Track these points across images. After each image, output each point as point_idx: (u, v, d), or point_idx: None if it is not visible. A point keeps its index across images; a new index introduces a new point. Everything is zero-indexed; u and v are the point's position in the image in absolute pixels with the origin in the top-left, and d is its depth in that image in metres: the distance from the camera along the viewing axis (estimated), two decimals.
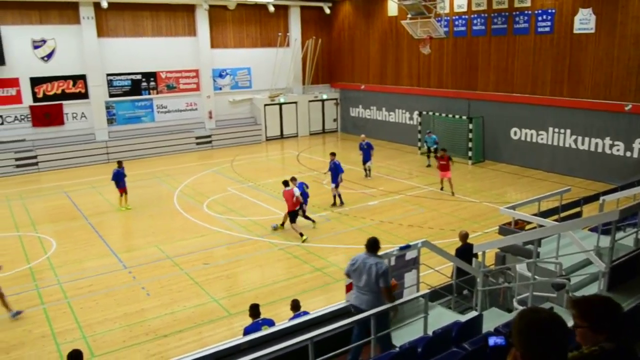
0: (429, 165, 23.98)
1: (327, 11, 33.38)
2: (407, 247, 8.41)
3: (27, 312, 11.62)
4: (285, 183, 15.95)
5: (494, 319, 7.45)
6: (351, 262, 7.44)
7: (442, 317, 8.12)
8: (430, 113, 27.13)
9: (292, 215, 15.73)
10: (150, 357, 9.83)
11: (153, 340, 10.41)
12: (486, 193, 19.85)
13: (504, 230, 11.08)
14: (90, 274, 13.74)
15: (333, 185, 18.42)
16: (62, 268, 14.06)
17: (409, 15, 24.45)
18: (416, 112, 28.43)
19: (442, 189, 19.80)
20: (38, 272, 13.90)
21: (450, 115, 25.87)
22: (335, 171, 18.23)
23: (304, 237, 15.33)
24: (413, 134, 28.11)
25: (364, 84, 32.27)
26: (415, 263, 8.68)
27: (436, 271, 9.94)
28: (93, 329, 10.86)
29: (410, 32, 24.93)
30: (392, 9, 28.93)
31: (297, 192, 15.57)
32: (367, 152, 22.09)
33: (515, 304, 7.97)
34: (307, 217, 16.41)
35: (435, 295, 9.12)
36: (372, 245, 7.39)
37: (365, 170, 22.48)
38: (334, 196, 18.56)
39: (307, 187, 16.56)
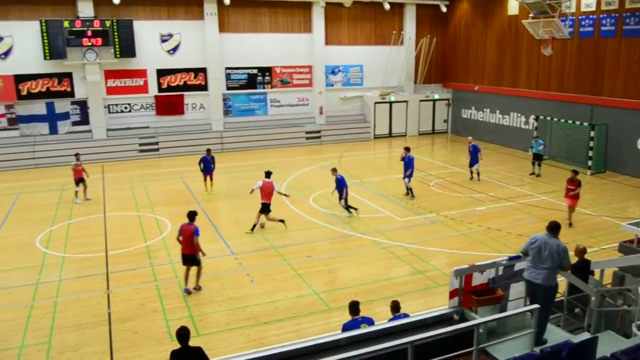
0: (532, 173, 22.80)
1: (444, 9, 32.66)
2: (517, 258, 8.04)
3: (142, 287, 12.47)
4: (267, 174, 16.48)
5: (609, 343, 6.92)
6: (531, 241, 7.93)
7: (550, 334, 7.68)
8: (548, 118, 25.76)
9: (266, 207, 16.01)
10: (251, 341, 10.15)
11: (254, 326, 10.76)
12: (605, 206, 18.53)
13: (625, 248, 10.28)
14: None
15: (406, 179, 19.34)
16: (174, 249, 14.80)
17: (531, 15, 23.35)
18: (532, 116, 27.14)
19: (571, 225, 16.31)
20: (153, 250, 14.86)
21: (570, 121, 24.41)
22: (408, 164, 19.21)
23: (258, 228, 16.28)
24: (527, 139, 26.81)
25: (478, 85, 31.26)
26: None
27: None
28: (200, 309, 11.42)
29: (531, 32, 23.81)
30: (513, 7, 27.77)
31: (277, 187, 16.20)
32: (474, 155, 21.50)
33: (634, 329, 7.37)
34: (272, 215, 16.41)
35: None
36: (555, 227, 7.95)
37: (471, 173, 21.85)
38: (407, 188, 19.48)
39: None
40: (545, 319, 7.71)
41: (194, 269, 12.20)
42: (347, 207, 17.42)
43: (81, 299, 11.96)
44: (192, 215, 12.19)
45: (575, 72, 24.84)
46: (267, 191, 15.98)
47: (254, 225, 16.15)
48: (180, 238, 12.04)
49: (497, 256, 8.31)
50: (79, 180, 19.34)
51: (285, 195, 16.92)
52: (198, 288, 12.20)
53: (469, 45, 31.92)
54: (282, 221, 16.32)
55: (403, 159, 19.47)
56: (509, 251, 13.82)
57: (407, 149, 19.66)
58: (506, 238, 15.43)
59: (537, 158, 22.75)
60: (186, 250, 12.06)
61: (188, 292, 12.07)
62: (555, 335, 7.61)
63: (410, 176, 19.39)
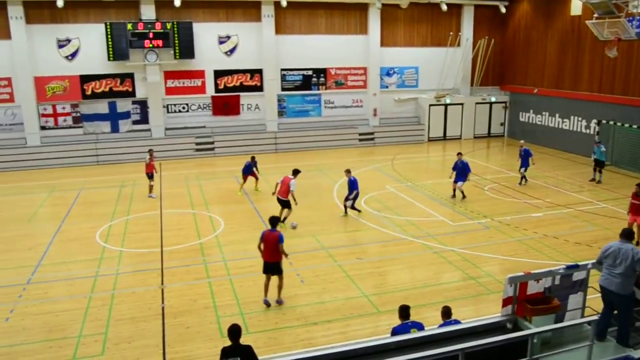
0: (592, 180, 21.94)
1: (503, 10, 31.90)
2: (576, 267, 7.76)
3: (195, 284, 12.74)
4: (294, 172, 16.87)
5: None
6: (604, 249, 8.05)
7: (607, 348, 7.39)
8: (611, 122, 24.78)
9: (284, 203, 16.59)
10: (299, 341, 10.20)
11: (303, 326, 10.80)
12: None
13: None
14: (251, 255, 14.55)
15: (460, 183, 19.28)
16: (227, 247, 15.18)
17: (595, 15, 22.50)
18: (594, 121, 26.18)
19: (638, 243, 14.38)
20: (207, 248, 15.16)
21: (635, 126, 23.39)
22: (463, 170, 19.17)
23: (284, 224, 16.36)
24: (588, 144, 25.87)
25: (537, 88, 30.39)
26: (582, 285, 7.98)
27: None
28: (250, 307, 11.56)
29: (595, 33, 22.93)
30: (576, 7, 26.85)
31: (293, 185, 16.27)
32: (524, 159, 21.15)
33: None
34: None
35: None
36: (628, 234, 8.15)
37: (521, 177, 21.39)
38: (460, 190, 19.39)
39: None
40: (627, 325, 7.69)
41: (274, 279, 11.71)
42: (353, 207, 17.57)
43: (137, 293, 12.32)
44: (274, 221, 11.72)
45: None
46: (284, 187, 16.40)
47: (284, 218, 16.55)
48: (262, 246, 11.55)
49: (553, 265, 8.07)
50: (151, 175, 20.30)
51: (294, 200, 16.52)
52: (280, 301, 11.65)
53: (528, 46, 31.08)
54: (283, 220, 16.58)
55: (456, 165, 19.36)
56: (566, 260, 13.39)
57: (460, 154, 19.50)
58: (563, 246, 14.93)
59: (599, 164, 21.91)
60: (269, 258, 11.49)
61: (268, 304, 11.57)
62: (613, 349, 7.32)
63: (466, 180, 19.35)
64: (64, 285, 12.86)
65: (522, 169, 21.23)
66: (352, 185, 17.38)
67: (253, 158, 21.08)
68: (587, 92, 26.83)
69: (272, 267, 11.57)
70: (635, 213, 14.91)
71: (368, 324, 10.91)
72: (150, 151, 20.83)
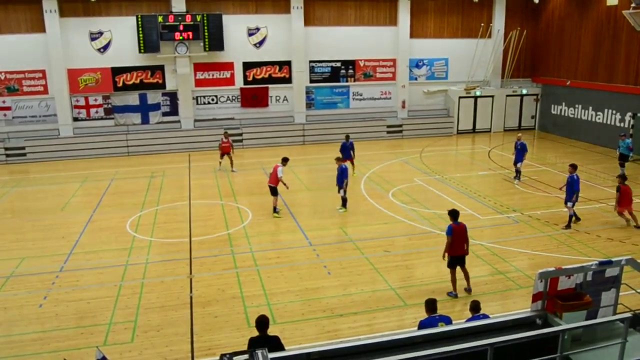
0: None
1: (536, 0, 31.24)
2: (609, 263, 7.57)
3: (222, 274, 12.86)
4: (283, 160, 17.40)
5: None
6: None
7: None
8: None
9: (272, 190, 17.04)
10: (325, 333, 10.23)
11: (329, 317, 10.82)
12: None
13: None
14: (279, 246, 14.75)
15: (570, 204, 15.71)
16: (254, 238, 15.28)
17: (633, 5, 21.95)
18: (629, 114, 25.51)
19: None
20: (235, 238, 15.28)
21: None
22: (571, 187, 15.62)
23: (277, 214, 17.00)
24: None
25: (570, 80, 29.74)
26: (615, 282, 7.79)
27: (639, 294, 8.84)
28: (277, 298, 11.62)
29: (632, 23, 22.44)
30: None
31: (280, 172, 16.76)
32: (519, 153, 20.44)
33: None
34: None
35: (635, 320, 8.10)
36: None
37: (516, 171, 20.79)
38: (571, 216, 15.89)
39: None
40: None
41: (459, 273, 11.68)
42: (345, 200, 17.61)
43: (165, 282, 12.50)
44: (456, 214, 11.75)
45: None
46: (273, 174, 17.00)
47: (274, 208, 17.08)
48: (450, 240, 11.46)
49: (585, 260, 7.88)
50: (226, 154, 22.92)
51: (285, 185, 16.97)
52: (470, 290, 11.73)
53: (562, 37, 30.41)
54: (275, 210, 17.12)
55: (570, 180, 15.61)
56: (597, 255, 13.13)
57: (574, 167, 15.87)
58: (595, 241, 14.62)
59: (623, 158, 21.31)
60: (462, 251, 11.60)
61: (455, 295, 11.53)
62: None
63: (575, 200, 15.70)
64: (95, 273, 13.11)
65: (519, 164, 20.51)
66: (342, 174, 17.29)
67: (348, 137, 21.74)
68: (623, 85, 26.16)
69: (463, 259, 11.68)
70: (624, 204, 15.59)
71: (394, 316, 10.88)
72: (226, 132, 23.10)
